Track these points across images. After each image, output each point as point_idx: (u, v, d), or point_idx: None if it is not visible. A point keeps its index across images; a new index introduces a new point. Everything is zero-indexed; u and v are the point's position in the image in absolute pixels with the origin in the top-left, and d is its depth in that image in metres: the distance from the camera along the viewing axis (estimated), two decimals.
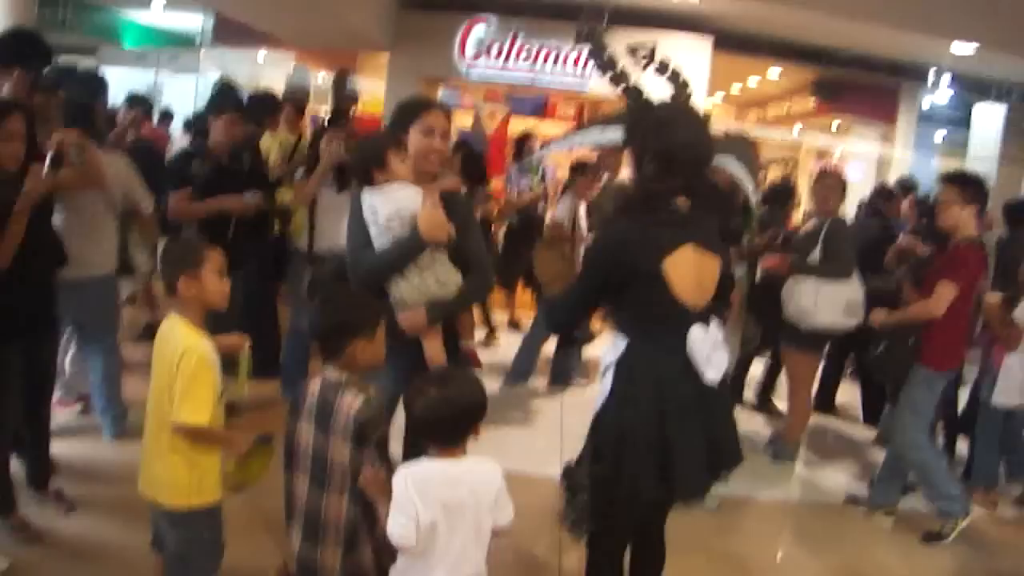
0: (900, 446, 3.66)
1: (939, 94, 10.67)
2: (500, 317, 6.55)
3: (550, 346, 5.24)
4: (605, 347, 2.27)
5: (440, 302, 2.39)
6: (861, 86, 10.85)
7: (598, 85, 8.75)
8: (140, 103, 5.42)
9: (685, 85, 2.36)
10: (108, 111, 4.99)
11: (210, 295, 2.13)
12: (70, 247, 3.02)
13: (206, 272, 2.12)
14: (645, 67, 2.48)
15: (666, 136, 2.09)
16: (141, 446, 2.19)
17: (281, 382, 4.30)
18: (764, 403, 5.30)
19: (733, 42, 9.39)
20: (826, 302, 4.01)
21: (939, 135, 13.49)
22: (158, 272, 3.28)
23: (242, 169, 4.04)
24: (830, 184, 4.27)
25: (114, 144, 4.37)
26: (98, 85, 4.31)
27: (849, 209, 6.10)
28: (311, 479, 2.01)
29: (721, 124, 10.62)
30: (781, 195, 5.36)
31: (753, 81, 12.13)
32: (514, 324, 6.76)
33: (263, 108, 4.94)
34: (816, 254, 4.09)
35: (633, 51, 2.52)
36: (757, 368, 5.36)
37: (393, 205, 2.37)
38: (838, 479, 4.31)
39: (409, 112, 2.52)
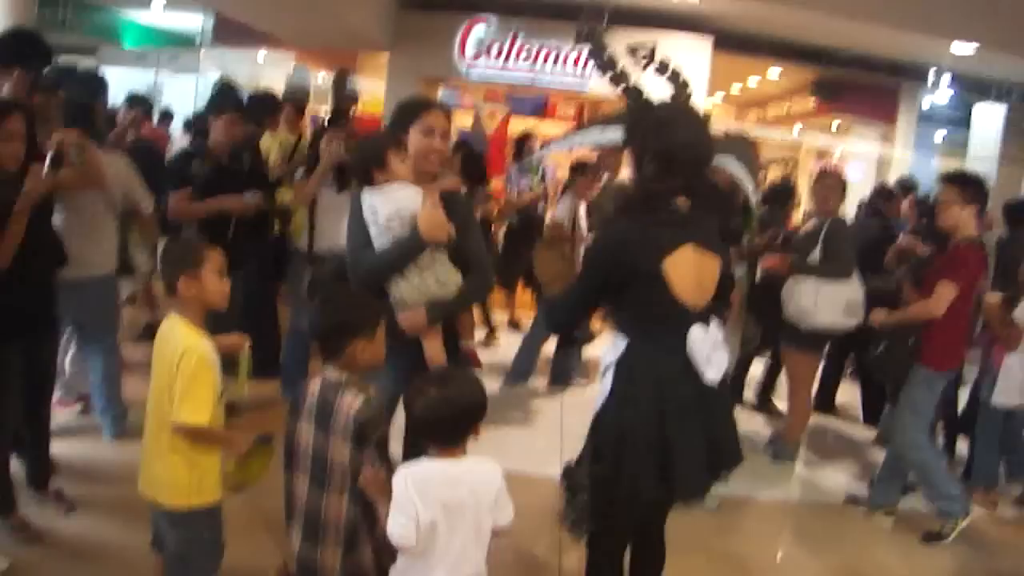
0: (900, 446, 3.66)
1: (939, 94, 10.66)
2: (500, 317, 6.55)
3: (550, 346, 5.24)
4: (605, 347, 2.27)
5: (440, 302, 2.39)
6: (861, 86, 10.85)
7: (598, 85, 8.75)
8: (140, 103, 5.42)
9: (685, 85, 2.36)
10: (108, 111, 4.99)
11: (210, 295, 2.13)
12: (70, 247, 3.01)
13: (206, 272, 2.12)
14: (645, 67, 2.48)
15: (666, 136, 2.09)
16: (141, 446, 2.19)
17: (281, 382, 4.30)
18: (764, 403, 5.30)
19: (733, 42, 9.39)
20: (826, 302, 4.01)
21: (939, 135, 13.49)
22: (158, 272, 3.29)
23: (242, 169, 4.04)
24: (830, 184, 4.27)
25: (114, 144, 4.36)
26: (98, 85, 4.30)
27: (849, 209, 6.10)
28: (311, 479, 2.00)
29: (721, 124, 10.61)
30: (781, 195, 5.36)
31: (753, 81, 12.12)
32: (514, 324, 6.76)
33: (263, 108, 4.94)
34: (816, 254, 4.09)
35: (633, 51, 2.52)
36: (757, 368, 5.36)
37: (393, 205, 2.37)
38: (838, 479, 4.31)
39: (409, 112, 2.52)
